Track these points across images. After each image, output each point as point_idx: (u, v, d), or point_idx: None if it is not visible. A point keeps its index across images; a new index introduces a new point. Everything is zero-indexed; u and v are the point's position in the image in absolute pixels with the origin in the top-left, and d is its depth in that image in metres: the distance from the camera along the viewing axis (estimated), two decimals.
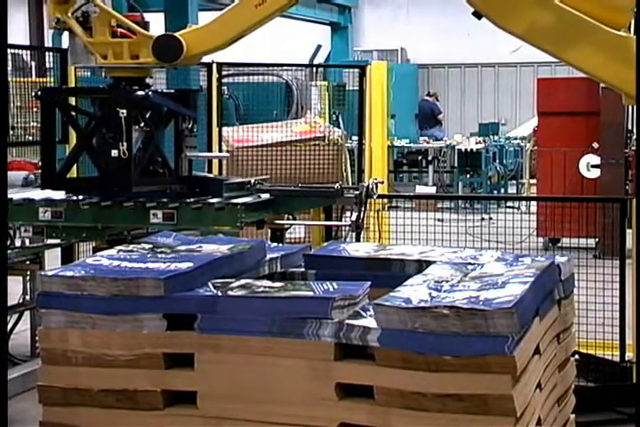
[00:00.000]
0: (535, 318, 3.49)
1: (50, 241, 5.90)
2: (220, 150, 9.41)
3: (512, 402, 3.13)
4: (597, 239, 11.15)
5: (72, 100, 5.97)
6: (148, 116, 5.19)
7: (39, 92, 5.23)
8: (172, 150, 5.31)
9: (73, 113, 5.54)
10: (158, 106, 5.23)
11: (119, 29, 5.09)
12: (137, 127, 5.08)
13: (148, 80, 5.23)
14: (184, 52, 4.94)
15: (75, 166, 5.79)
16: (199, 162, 9.58)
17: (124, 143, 4.96)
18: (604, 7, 4.43)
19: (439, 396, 3.18)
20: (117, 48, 5.07)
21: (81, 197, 5.20)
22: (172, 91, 5.47)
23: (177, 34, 5.00)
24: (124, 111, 4.94)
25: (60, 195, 5.28)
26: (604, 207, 8.38)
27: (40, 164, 5.24)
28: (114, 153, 4.99)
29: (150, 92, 5.04)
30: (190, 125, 5.24)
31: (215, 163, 9.28)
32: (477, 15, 4.50)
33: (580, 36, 4.42)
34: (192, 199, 5.13)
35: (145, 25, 5.14)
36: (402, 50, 24.43)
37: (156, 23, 9.27)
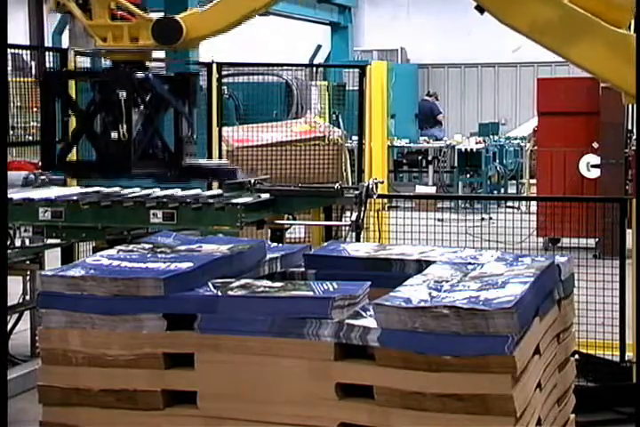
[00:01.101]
0: (535, 318, 3.49)
1: (50, 241, 5.90)
2: (220, 150, 9.41)
3: (512, 402, 3.13)
4: (597, 239, 11.15)
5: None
6: (147, 98, 5.14)
7: (42, 78, 5.18)
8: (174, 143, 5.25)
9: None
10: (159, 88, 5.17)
11: (119, 12, 5.04)
12: (137, 110, 5.04)
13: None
14: (184, 35, 4.89)
15: (75, 154, 5.74)
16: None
17: (124, 125, 4.92)
18: (606, 5, 4.43)
19: (439, 396, 3.18)
20: (117, 31, 5.01)
21: (81, 195, 5.19)
22: (172, 74, 5.39)
23: (177, 17, 4.95)
24: (124, 93, 4.91)
25: (59, 192, 5.27)
26: (604, 207, 8.38)
27: (40, 149, 5.20)
28: (113, 135, 4.95)
29: (150, 74, 4.99)
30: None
31: None
32: (480, 9, 4.47)
33: (582, 33, 4.41)
34: (191, 200, 5.12)
35: (144, 8, 5.07)
36: (402, 50, 24.43)
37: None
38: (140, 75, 4.96)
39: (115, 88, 4.92)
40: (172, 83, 5.15)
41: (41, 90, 5.20)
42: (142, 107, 5.05)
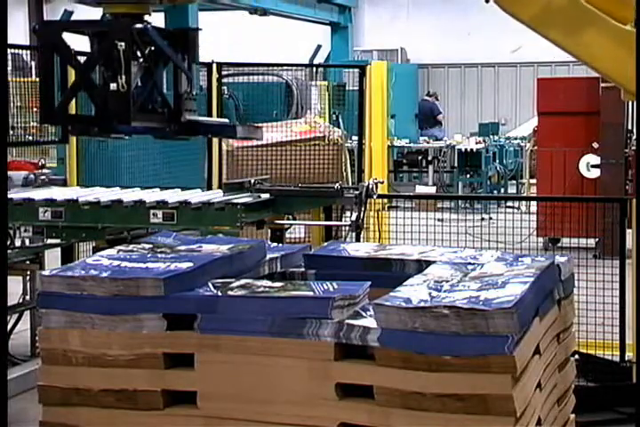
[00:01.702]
0: (535, 318, 3.49)
1: (50, 241, 5.90)
2: (220, 150, 9.41)
3: (512, 402, 3.13)
4: (597, 239, 11.15)
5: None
6: (146, 51, 5.08)
7: (37, 26, 5.10)
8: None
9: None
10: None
11: None
12: (136, 63, 4.99)
13: None
14: None
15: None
16: (198, 163, 9.59)
17: (123, 77, 4.86)
18: (613, 0, 4.42)
19: (439, 396, 3.18)
20: None
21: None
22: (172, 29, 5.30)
23: None
24: (123, 44, 4.86)
25: (59, 192, 5.25)
26: (604, 207, 8.39)
27: (39, 102, 5.13)
28: (112, 86, 4.89)
29: (149, 26, 4.94)
30: (190, 89, 5.16)
31: (215, 162, 9.28)
32: None
33: (585, 26, 4.39)
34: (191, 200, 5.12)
35: None
36: (402, 50, 24.43)
37: (156, 24, 9.24)
38: (138, 26, 4.90)
39: (113, 38, 4.86)
40: (172, 37, 5.09)
41: (38, 40, 5.09)
42: (141, 60, 4.98)
